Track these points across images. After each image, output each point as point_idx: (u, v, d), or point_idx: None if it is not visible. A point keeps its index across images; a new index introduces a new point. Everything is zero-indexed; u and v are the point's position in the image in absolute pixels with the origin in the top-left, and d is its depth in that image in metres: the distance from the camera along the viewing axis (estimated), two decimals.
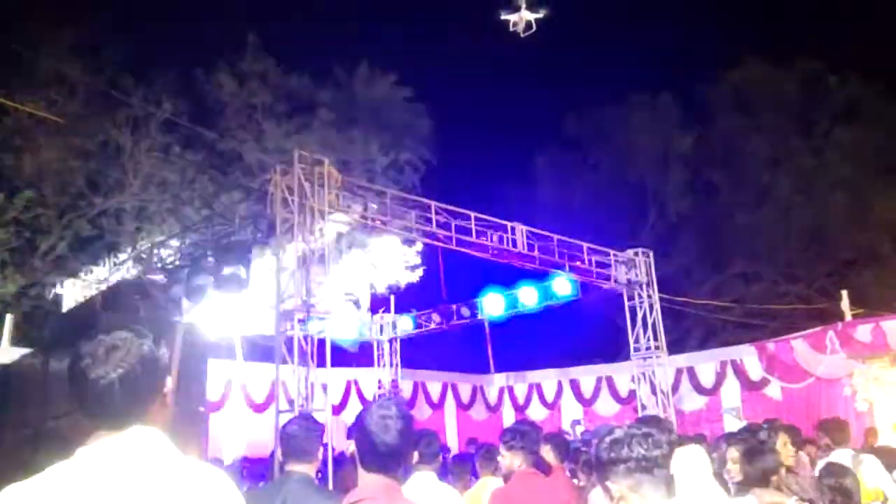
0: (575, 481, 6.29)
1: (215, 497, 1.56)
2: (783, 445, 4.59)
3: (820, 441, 5.90)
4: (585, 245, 11.26)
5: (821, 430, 5.86)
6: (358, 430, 2.23)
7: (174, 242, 9.54)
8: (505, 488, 4.30)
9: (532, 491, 4.14)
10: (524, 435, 4.56)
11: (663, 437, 2.00)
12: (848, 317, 11.42)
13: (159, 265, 9.31)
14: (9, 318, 9.30)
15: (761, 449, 3.76)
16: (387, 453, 2.19)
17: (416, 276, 14.64)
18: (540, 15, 13.95)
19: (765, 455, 3.77)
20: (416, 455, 3.70)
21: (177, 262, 9.15)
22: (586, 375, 15.02)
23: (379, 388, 13.88)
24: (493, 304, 12.72)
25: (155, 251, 9.62)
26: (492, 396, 16.31)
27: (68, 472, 1.57)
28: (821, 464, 4.55)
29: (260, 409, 11.88)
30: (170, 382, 1.73)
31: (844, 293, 11.74)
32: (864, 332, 10.30)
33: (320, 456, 3.46)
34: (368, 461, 2.21)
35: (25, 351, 7.63)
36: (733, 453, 4.57)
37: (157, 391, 1.69)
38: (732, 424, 11.15)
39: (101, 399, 1.59)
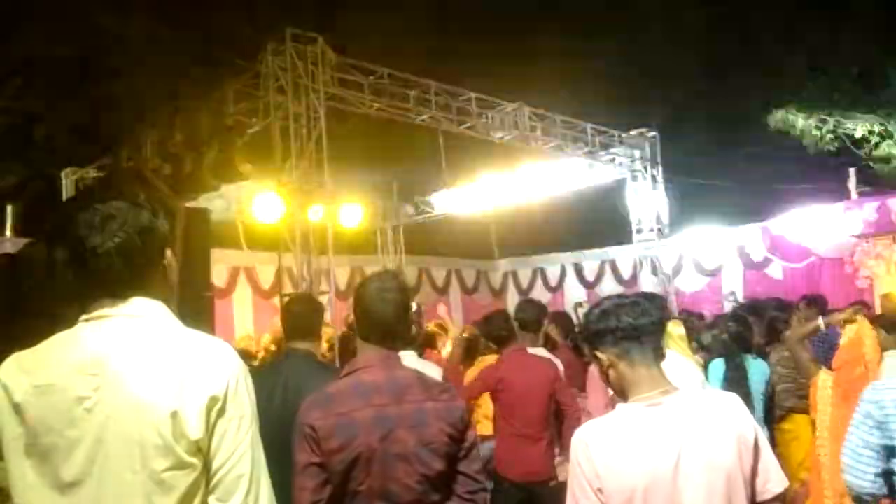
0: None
1: (217, 362, 1.54)
2: (799, 321, 4.83)
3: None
4: (589, 126, 11.04)
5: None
6: (357, 302, 2.26)
7: (172, 129, 9.32)
8: (494, 364, 4.44)
9: (518, 366, 4.27)
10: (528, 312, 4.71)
11: (652, 307, 2.01)
12: (854, 196, 11.32)
13: (158, 152, 9.15)
14: (10, 208, 9.26)
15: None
16: (384, 325, 2.22)
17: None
18: None
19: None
20: None
21: (174, 150, 8.98)
22: (590, 259, 15.14)
23: None
24: (496, 189, 12.59)
25: (153, 138, 9.42)
26: (496, 281, 16.54)
27: (70, 339, 1.56)
28: None
29: (266, 296, 12.06)
30: (170, 255, 1.69)
31: (852, 171, 11.58)
32: (869, 209, 10.24)
33: (321, 334, 3.52)
34: (367, 333, 2.25)
35: (28, 241, 7.63)
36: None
37: (156, 261, 1.66)
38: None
39: (100, 269, 1.56)
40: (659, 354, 1.96)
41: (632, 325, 1.93)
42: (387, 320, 2.20)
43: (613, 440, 1.86)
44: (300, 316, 3.35)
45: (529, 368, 4.32)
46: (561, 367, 4.71)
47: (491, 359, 5.22)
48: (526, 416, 4.22)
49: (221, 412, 1.51)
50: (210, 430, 1.51)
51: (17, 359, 1.56)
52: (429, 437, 2.10)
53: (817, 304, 6.01)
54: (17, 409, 1.50)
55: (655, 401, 1.88)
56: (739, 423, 1.89)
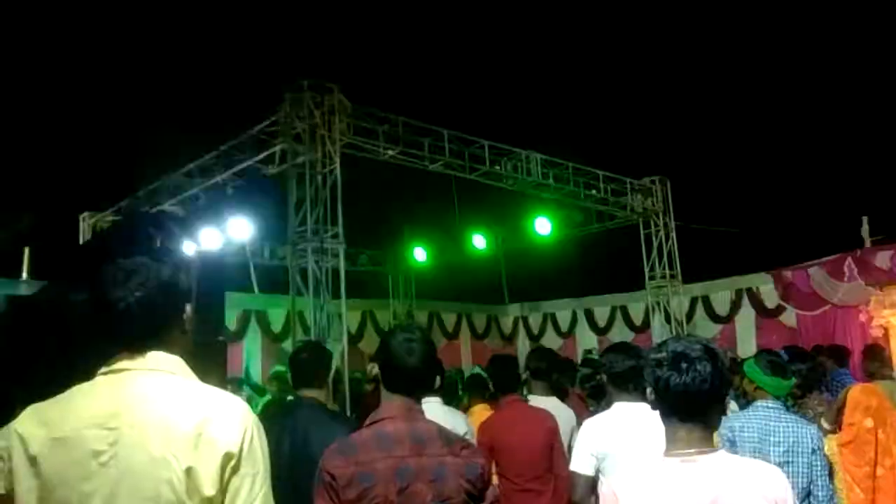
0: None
1: (232, 420, 1.55)
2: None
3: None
4: (601, 173, 11.11)
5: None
6: (382, 352, 2.27)
7: (188, 174, 9.46)
8: (488, 421, 4.36)
9: (513, 421, 4.19)
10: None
11: (714, 372, 1.95)
12: (867, 244, 11.26)
13: (174, 196, 9.27)
14: (27, 251, 9.36)
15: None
16: (409, 376, 2.22)
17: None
18: None
19: None
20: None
21: (191, 193, 9.10)
22: (601, 305, 15.06)
23: (394, 319, 14.02)
24: (507, 235, 12.65)
25: (169, 182, 9.55)
26: (506, 326, 16.45)
27: (88, 392, 1.57)
28: None
29: (278, 340, 12.04)
30: (189, 310, 1.71)
31: (865, 219, 11.52)
32: (883, 258, 10.17)
33: (329, 381, 3.56)
34: (391, 383, 2.25)
35: (44, 283, 7.69)
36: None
37: (176, 317, 1.67)
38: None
39: (120, 322, 1.58)
40: (705, 418, 1.90)
41: (686, 388, 1.86)
42: (412, 371, 2.21)
43: (644, 493, 1.84)
44: (307, 363, 3.40)
45: (524, 422, 4.19)
46: (573, 417, 4.65)
47: (482, 408, 5.16)
48: (525, 471, 4.11)
49: (235, 469, 1.52)
50: (223, 487, 1.51)
51: (36, 410, 1.57)
52: (447, 492, 2.08)
53: (838, 354, 5.98)
54: (32, 460, 1.50)
55: (691, 458, 1.85)
56: (777, 493, 1.84)
